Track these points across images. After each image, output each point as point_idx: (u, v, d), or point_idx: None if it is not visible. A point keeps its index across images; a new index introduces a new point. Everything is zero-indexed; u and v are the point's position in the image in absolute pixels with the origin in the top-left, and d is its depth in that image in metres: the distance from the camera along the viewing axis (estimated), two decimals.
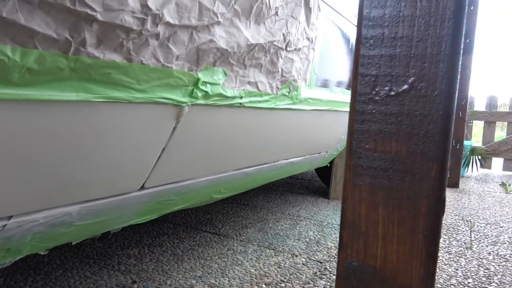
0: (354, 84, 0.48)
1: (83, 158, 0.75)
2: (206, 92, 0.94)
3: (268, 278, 1.38)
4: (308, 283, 1.36)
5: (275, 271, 1.44)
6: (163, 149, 0.93)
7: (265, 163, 1.56)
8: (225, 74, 1.01)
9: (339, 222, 2.11)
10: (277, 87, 1.29)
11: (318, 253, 1.65)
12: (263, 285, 1.33)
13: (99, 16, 0.62)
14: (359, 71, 0.44)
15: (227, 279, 1.36)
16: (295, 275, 1.42)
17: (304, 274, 1.43)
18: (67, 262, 1.42)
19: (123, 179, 0.87)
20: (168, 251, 1.57)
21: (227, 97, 1.03)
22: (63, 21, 0.58)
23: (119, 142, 0.80)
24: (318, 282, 1.37)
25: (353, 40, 1.97)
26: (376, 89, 0.44)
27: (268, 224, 1.99)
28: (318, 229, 1.96)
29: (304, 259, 1.57)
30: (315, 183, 3.18)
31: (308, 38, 1.41)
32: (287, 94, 1.35)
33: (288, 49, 1.27)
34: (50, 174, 0.71)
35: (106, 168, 0.81)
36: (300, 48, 1.36)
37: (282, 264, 1.50)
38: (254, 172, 1.50)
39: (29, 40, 0.56)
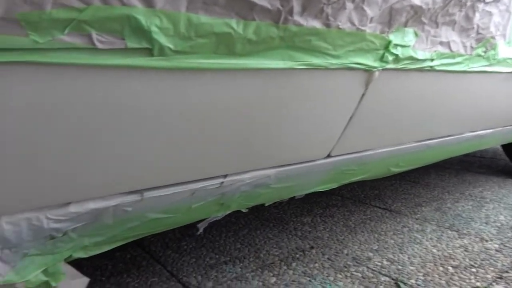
0: None
1: (282, 124, 0.80)
2: (397, 55, 0.88)
3: (454, 261, 1.25)
4: (507, 271, 1.18)
5: (462, 254, 1.30)
6: (350, 117, 0.92)
7: (449, 136, 1.40)
8: (416, 34, 0.92)
9: None
10: (471, 47, 1.12)
11: None
12: (450, 268, 1.21)
13: None
14: None
15: (406, 256, 1.29)
16: (487, 262, 1.25)
17: (500, 262, 1.24)
18: (250, 223, 1.59)
19: (314, 146, 0.90)
20: (340, 222, 1.59)
21: (417, 60, 0.94)
22: None
23: (314, 109, 0.82)
24: None
25: None
26: None
27: (446, 204, 1.81)
28: (511, 214, 1.68)
29: (497, 245, 1.37)
30: (499, 162, 2.73)
31: None
32: (482, 54, 1.16)
33: (486, 0, 1.09)
34: (255, 138, 0.79)
35: (301, 135, 0.85)
36: None
37: (470, 248, 1.34)
38: (436, 145, 1.36)
39: (249, 12, 0.61)
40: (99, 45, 0.50)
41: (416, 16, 0.88)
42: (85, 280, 0.78)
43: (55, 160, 0.57)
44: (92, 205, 0.66)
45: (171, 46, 0.55)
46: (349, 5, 0.73)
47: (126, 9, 0.50)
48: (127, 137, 0.61)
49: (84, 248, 0.74)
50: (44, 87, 0.50)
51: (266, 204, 1.07)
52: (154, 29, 0.53)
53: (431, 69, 1.00)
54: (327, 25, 0.72)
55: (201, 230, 0.98)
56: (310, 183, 1.03)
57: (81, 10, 0.47)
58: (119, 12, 0.50)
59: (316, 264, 1.24)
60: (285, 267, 1.22)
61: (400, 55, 0.89)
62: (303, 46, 0.71)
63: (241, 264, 1.24)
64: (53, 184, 0.60)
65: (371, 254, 1.30)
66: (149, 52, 0.55)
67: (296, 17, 0.66)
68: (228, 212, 0.94)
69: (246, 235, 1.47)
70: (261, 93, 0.71)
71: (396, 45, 0.87)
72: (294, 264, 1.24)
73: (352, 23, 0.76)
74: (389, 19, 0.83)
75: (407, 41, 0.90)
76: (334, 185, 1.17)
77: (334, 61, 0.77)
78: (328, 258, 1.28)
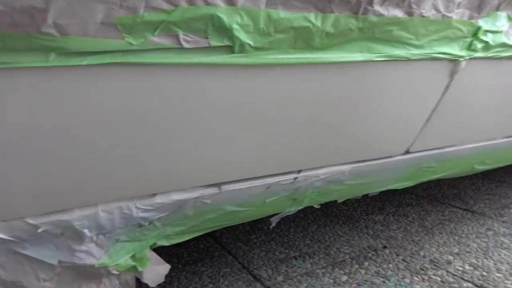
0: None
1: (360, 118, 0.77)
2: (487, 42, 0.81)
3: None
4: None
5: None
6: (432, 111, 0.87)
7: None
8: (510, 19, 0.84)
9: None
10: None
11: None
12: None
13: None
14: None
15: (492, 261, 1.19)
16: None
17: None
18: (319, 219, 1.57)
19: (392, 141, 0.87)
20: (415, 222, 1.51)
21: (511, 47, 0.86)
22: None
23: (393, 102, 0.78)
24: None
25: None
26: None
27: None
28: None
29: None
30: None
31: None
32: None
33: None
34: (332, 133, 0.77)
35: (379, 130, 0.82)
36: None
37: None
38: None
39: (327, 5, 0.60)
40: (185, 45, 0.52)
41: None
42: (167, 266, 0.83)
43: (143, 154, 0.61)
44: (175, 197, 0.70)
45: (251, 42, 0.56)
46: None
47: (210, 9, 0.52)
48: (206, 131, 0.64)
49: (167, 237, 0.79)
50: (134, 86, 0.54)
51: (339, 201, 1.05)
52: (235, 26, 0.54)
53: None
54: (410, 14, 0.68)
55: (273, 224, 0.99)
56: (386, 180, 0.99)
57: (169, 12, 0.50)
58: (204, 12, 0.51)
59: (390, 265, 1.19)
60: (356, 266, 1.19)
61: (491, 42, 0.81)
62: (383, 37, 0.68)
63: (311, 260, 1.23)
64: (142, 176, 0.64)
65: (451, 257, 1.22)
66: (230, 49, 0.56)
67: (377, 7, 0.64)
68: (301, 207, 0.94)
69: (315, 231, 1.46)
70: (338, 87, 0.69)
71: (486, 32, 0.80)
72: (366, 264, 1.20)
73: (437, 10, 0.71)
74: (479, 3, 0.76)
75: (499, 27, 0.82)
76: (411, 183, 1.11)
77: (416, 51, 0.72)
78: (403, 259, 1.22)
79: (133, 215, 0.67)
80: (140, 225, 0.72)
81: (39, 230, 0.61)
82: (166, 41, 0.52)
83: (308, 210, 1.66)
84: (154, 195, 0.68)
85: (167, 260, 0.89)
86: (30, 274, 0.67)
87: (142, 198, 0.67)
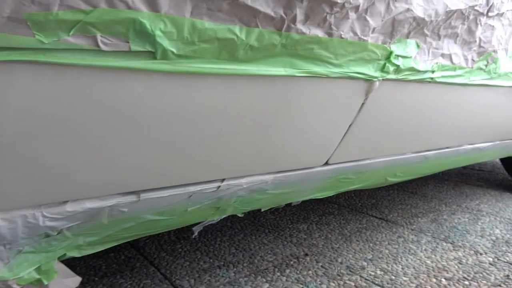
0: None
1: (281, 130, 0.80)
2: (398, 66, 0.89)
3: (448, 273, 1.25)
4: (499, 285, 1.18)
5: (456, 266, 1.30)
6: (349, 126, 0.93)
7: (447, 148, 1.41)
8: (418, 46, 0.93)
9: None
10: (473, 60, 1.13)
11: (510, 254, 1.41)
12: (443, 279, 1.21)
13: None
14: None
15: (400, 266, 1.29)
16: (480, 275, 1.25)
17: (493, 275, 1.25)
18: (246, 228, 1.58)
19: (312, 153, 0.91)
20: (336, 230, 1.59)
21: (418, 71, 0.95)
22: (280, 0, 0.62)
23: (313, 116, 0.82)
24: None
25: None
26: None
27: (442, 216, 1.81)
28: (507, 228, 1.68)
29: (491, 259, 1.37)
30: (497, 176, 2.74)
31: None
32: (483, 67, 1.17)
33: (489, 14, 1.10)
34: (254, 143, 0.79)
35: (299, 142, 0.85)
36: (504, 13, 1.16)
37: (464, 261, 1.35)
38: (434, 156, 1.37)
39: (252, 19, 0.62)
40: (104, 47, 0.50)
41: (419, 27, 0.89)
42: (77, 279, 0.78)
43: (53, 158, 0.57)
44: (88, 205, 0.66)
45: (174, 50, 0.56)
46: (352, 15, 0.74)
47: (131, 13, 0.50)
48: (125, 138, 0.62)
49: (78, 247, 0.74)
50: (46, 87, 0.50)
51: (263, 210, 1.07)
52: (158, 33, 0.53)
53: (432, 81, 1.01)
54: (330, 34, 0.72)
55: (196, 234, 0.98)
56: (307, 190, 1.04)
57: (87, 12, 0.47)
58: (125, 16, 0.50)
59: (310, 272, 1.24)
60: (278, 274, 1.22)
61: (401, 66, 0.89)
62: (305, 54, 0.71)
63: (235, 269, 1.24)
64: (50, 182, 0.60)
65: (365, 263, 1.30)
66: (152, 55, 0.55)
67: (299, 25, 0.67)
68: (224, 216, 0.94)
69: (241, 240, 1.47)
70: (261, 99, 0.71)
71: (397, 56, 0.88)
72: (287, 271, 1.24)
73: (355, 33, 0.76)
74: (392, 30, 0.83)
75: (409, 52, 0.90)
76: (331, 193, 1.17)
77: (335, 69, 0.77)
78: (322, 266, 1.28)
79: (39, 224, 0.62)
80: (48, 235, 0.67)
81: None
82: (82, 42, 0.49)
83: (236, 219, 1.67)
84: (64, 202, 0.64)
85: (83, 273, 0.84)
86: None
87: (50, 206, 0.63)
